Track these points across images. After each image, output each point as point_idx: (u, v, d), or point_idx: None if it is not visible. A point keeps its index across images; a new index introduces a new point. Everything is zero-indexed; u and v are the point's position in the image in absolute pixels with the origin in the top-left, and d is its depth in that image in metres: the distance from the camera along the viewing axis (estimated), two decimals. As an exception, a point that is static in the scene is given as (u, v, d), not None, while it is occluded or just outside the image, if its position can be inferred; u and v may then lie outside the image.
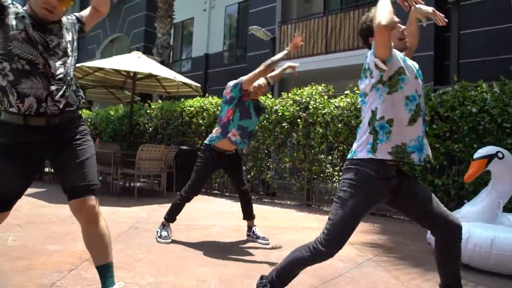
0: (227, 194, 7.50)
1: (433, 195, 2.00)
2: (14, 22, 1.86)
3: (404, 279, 2.80)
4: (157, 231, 3.66)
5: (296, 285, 2.50)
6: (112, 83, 8.41)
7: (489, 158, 3.32)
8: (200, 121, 7.95)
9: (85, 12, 2.22)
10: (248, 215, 3.87)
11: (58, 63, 1.95)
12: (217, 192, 7.68)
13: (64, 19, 2.06)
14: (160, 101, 9.49)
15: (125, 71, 6.94)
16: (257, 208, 5.36)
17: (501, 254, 2.92)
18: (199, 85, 7.78)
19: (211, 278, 2.63)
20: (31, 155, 1.93)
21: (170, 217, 3.68)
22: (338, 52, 9.66)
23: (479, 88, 4.93)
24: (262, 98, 7.06)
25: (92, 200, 2.00)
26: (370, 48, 2.05)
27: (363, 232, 4.43)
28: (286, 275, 2.07)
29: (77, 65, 6.83)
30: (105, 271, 2.06)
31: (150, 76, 7.48)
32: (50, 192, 6.43)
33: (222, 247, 3.54)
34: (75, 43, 2.10)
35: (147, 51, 15.60)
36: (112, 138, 10.35)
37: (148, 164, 6.49)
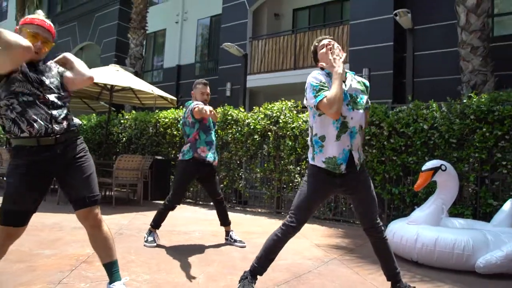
0: (200, 202, 7.84)
1: (373, 201, 2.53)
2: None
3: (363, 274, 3.28)
4: (144, 237, 3.99)
5: (271, 280, 2.92)
6: (88, 94, 8.59)
7: (434, 170, 3.88)
8: (175, 132, 8.27)
9: (67, 74, 2.45)
10: (225, 221, 4.27)
11: (53, 96, 2.30)
12: (190, 200, 7.99)
13: (54, 67, 2.41)
14: (134, 111, 9.72)
15: (104, 84, 7.17)
16: (230, 215, 5.75)
17: (443, 251, 3.47)
18: (175, 98, 8.12)
19: (198, 274, 3.01)
20: (43, 171, 2.27)
21: (156, 223, 4.02)
22: (306, 68, 10.26)
23: (430, 107, 5.57)
24: (235, 112, 7.51)
25: (96, 209, 2.36)
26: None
27: (329, 236, 4.92)
28: (265, 260, 2.55)
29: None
30: (111, 267, 2.42)
31: (127, 88, 7.75)
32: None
33: (203, 249, 3.91)
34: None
35: (119, 61, 15.74)
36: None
37: (126, 173, 6.76)
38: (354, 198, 2.55)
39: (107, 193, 7.97)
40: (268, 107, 7.13)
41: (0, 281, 2.61)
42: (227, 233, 4.26)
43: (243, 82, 9.04)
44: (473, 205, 5.19)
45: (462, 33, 6.80)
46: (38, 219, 4.98)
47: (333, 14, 12.02)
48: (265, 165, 7.04)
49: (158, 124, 8.65)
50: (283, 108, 6.96)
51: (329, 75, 2.48)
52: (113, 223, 5.05)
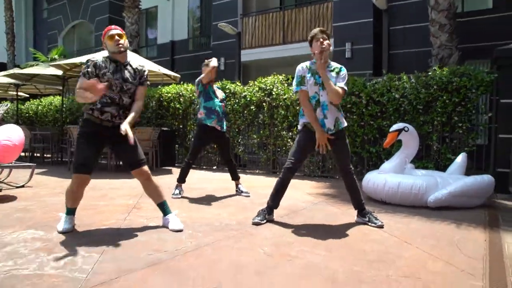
0: (204, 167, 8.87)
1: (346, 154, 3.62)
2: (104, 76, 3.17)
3: (343, 209, 4.38)
4: (173, 191, 5.04)
5: (275, 213, 3.99)
6: (96, 73, 9.37)
7: (399, 131, 4.94)
8: (177, 106, 9.18)
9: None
10: (234, 176, 5.31)
11: (126, 98, 3.25)
12: (195, 166, 9.00)
13: (138, 67, 3.33)
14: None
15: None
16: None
17: (403, 192, 4.57)
18: (178, 75, 8.98)
19: (221, 213, 4.07)
20: (99, 139, 3.25)
21: (181, 178, 5.06)
22: (294, 43, 11.14)
23: (401, 79, 6.58)
24: (232, 86, 8.43)
25: (146, 167, 3.36)
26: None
27: (318, 188, 6.01)
28: (276, 197, 3.69)
29: (72, 60, 7.81)
30: (163, 205, 3.48)
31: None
32: (53, 171, 7.53)
33: (218, 199, 4.95)
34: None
35: (113, 38, 16.25)
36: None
37: (140, 144, 7.71)
38: (333, 151, 3.61)
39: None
40: (262, 81, 8.07)
41: (83, 219, 3.61)
42: (236, 185, 5.31)
43: (237, 58, 9.90)
44: (436, 159, 6.31)
45: (432, 12, 7.75)
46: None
47: (318, -11, 12.78)
48: (261, 132, 8.04)
49: (161, 99, 9.53)
50: (275, 82, 7.91)
51: (313, 64, 3.54)
52: (138, 183, 6.04)
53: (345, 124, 3.66)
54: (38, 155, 10.55)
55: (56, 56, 15.82)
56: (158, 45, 16.40)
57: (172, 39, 15.61)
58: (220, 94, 5.17)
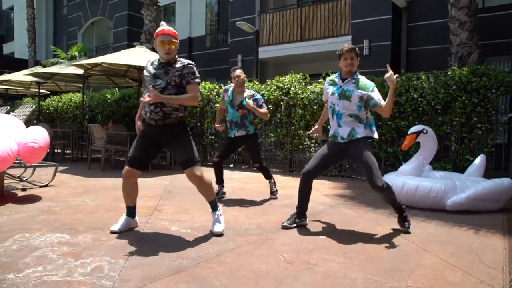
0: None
1: (367, 165, 3.54)
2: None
3: (361, 213, 4.41)
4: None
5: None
6: (115, 71, 9.55)
7: (417, 133, 4.93)
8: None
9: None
10: (266, 176, 5.33)
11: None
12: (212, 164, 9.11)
13: (180, 64, 3.35)
14: (155, 85, 10.69)
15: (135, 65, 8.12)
16: (250, 175, 6.92)
17: (421, 195, 4.58)
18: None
19: (241, 215, 4.15)
20: (149, 137, 3.39)
21: (217, 180, 5.17)
22: (311, 40, 11.10)
23: (419, 78, 6.53)
24: (250, 84, 8.48)
25: (194, 170, 3.33)
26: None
27: (335, 188, 6.04)
28: (300, 201, 3.78)
29: (93, 60, 7.96)
30: (212, 203, 3.56)
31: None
32: (73, 169, 7.75)
33: (236, 200, 5.04)
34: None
35: (131, 34, 16.49)
36: (111, 119, 11.48)
37: (159, 142, 7.85)
38: (354, 161, 3.69)
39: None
40: (280, 80, 8.09)
41: (108, 222, 3.74)
42: (270, 183, 5.35)
43: (255, 55, 9.93)
44: (454, 160, 6.27)
45: (452, 9, 7.63)
46: (95, 182, 6.16)
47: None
48: (278, 130, 8.09)
49: (179, 97, 9.63)
50: (293, 81, 7.93)
51: (339, 77, 3.67)
52: (157, 183, 6.19)
53: (364, 135, 3.58)
54: (59, 151, 10.81)
55: (76, 53, 16.12)
56: (175, 41, 16.51)
57: (189, 36, 15.70)
58: (246, 94, 5.07)
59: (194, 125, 9.33)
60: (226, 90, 5.08)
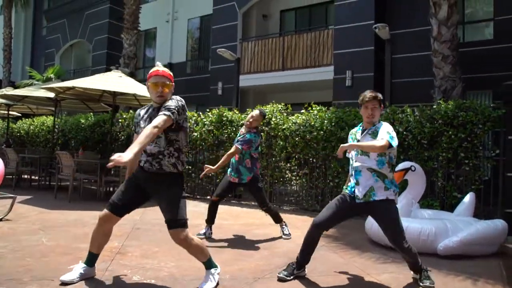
0: (198, 196, 8.52)
1: (383, 228, 3.26)
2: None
3: (347, 258, 4.04)
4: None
5: (274, 264, 3.64)
6: (90, 96, 9.11)
7: (406, 170, 4.65)
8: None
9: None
10: (275, 220, 4.94)
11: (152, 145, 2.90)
12: (188, 195, 8.66)
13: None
14: (131, 111, 10.29)
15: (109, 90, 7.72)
16: (228, 209, 6.52)
17: (411, 238, 4.22)
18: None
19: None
20: (138, 184, 2.98)
21: (208, 219, 4.81)
22: (293, 69, 10.95)
23: (404, 111, 6.33)
24: (229, 113, 8.16)
25: (179, 232, 2.89)
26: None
27: (317, 226, 5.66)
28: (303, 253, 3.35)
29: (65, 84, 7.55)
30: (206, 264, 3.09)
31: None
32: (38, 198, 7.16)
33: (211, 240, 4.60)
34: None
35: (110, 58, 16.15)
36: (84, 145, 10.93)
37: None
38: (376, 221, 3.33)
39: (111, 189, 8.60)
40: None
41: (59, 270, 3.25)
42: (280, 226, 4.96)
43: (235, 83, 9.68)
44: (442, 197, 6.00)
45: (435, 43, 7.57)
46: (58, 216, 5.62)
47: (318, 16, 12.71)
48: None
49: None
50: (274, 111, 7.64)
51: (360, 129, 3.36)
52: (126, 218, 5.62)
53: (384, 197, 3.16)
54: (27, 177, 10.17)
55: (52, 75, 15.60)
56: (155, 66, 16.21)
57: (170, 62, 15.43)
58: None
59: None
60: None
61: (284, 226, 4.94)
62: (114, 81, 7.49)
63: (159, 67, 2.97)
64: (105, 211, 2.99)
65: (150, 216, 5.88)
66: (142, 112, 3.06)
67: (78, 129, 11.55)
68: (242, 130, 4.79)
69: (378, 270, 3.58)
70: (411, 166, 4.67)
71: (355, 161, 3.23)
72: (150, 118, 2.87)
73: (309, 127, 7.08)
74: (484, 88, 8.88)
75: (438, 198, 6.00)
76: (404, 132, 6.19)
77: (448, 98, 6.93)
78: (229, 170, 4.74)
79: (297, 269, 3.32)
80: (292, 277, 3.27)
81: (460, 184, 5.91)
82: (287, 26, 13.14)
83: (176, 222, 2.88)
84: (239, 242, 4.54)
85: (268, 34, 12.54)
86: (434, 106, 6.10)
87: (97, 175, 7.41)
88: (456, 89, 7.26)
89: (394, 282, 3.30)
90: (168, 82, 2.91)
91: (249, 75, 11.68)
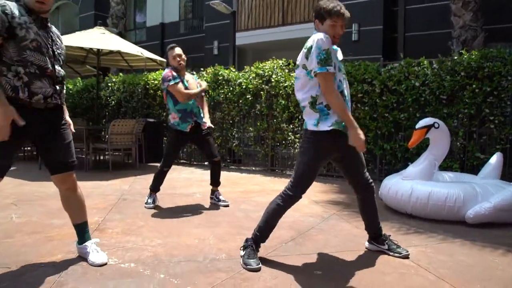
0: (195, 163, 7.96)
1: (360, 163, 2.73)
2: (23, 33, 2.18)
3: (362, 227, 3.48)
4: (146, 199, 4.20)
5: (278, 238, 3.10)
6: (74, 58, 8.38)
7: (428, 127, 4.02)
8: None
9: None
10: (215, 182, 4.38)
11: (58, 67, 2.35)
12: (185, 161, 8.10)
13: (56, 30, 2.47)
14: (121, 74, 9.57)
15: (91, 48, 6.99)
16: (226, 175, 5.95)
17: (435, 204, 3.68)
18: (164, 60, 7.97)
19: (208, 236, 3.17)
20: (24, 129, 2.23)
21: (154, 187, 4.21)
22: (294, 24, 10.12)
23: (421, 64, 5.64)
24: (226, 72, 7.46)
25: (73, 173, 2.52)
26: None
27: (325, 192, 5.12)
28: (265, 228, 2.65)
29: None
30: (83, 228, 2.64)
31: (114, 51, 7.58)
32: (21, 170, 6.59)
33: (207, 211, 4.05)
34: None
35: (98, 19, 15.17)
36: (72, 112, 10.30)
37: (120, 138, 6.77)
38: (346, 159, 2.73)
39: (101, 157, 8.03)
40: (260, 66, 7.10)
41: (22, 253, 2.71)
42: (213, 192, 4.40)
43: (232, 40, 8.89)
44: (461, 158, 5.42)
45: (454, -14, 6.77)
46: (37, 188, 5.05)
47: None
48: (258, 124, 7.11)
49: (147, 86, 8.56)
50: (275, 67, 6.95)
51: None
52: (114, 188, 5.14)
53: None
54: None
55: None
56: (147, 27, 15.29)
57: (162, 21, 14.50)
58: (195, 84, 4.21)
59: (164, 118, 8.26)
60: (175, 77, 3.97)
61: (217, 191, 4.41)
62: (98, 38, 6.75)
63: None
64: None
65: (141, 185, 5.34)
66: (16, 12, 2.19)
67: (67, 95, 10.86)
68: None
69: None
70: (434, 122, 4.04)
71: (346, 88, 2.60)
72: (50, 36, 2.37)
73: (314, 84, 6.39)
74: (509, 40, 8.08)
75: (458, 159, 5.42)
76: (421, 87, 5.53)
77: (469, 49, 6.21)
78: (186, 123, 4.05)
79: (256, 246, 2.62)
80: (260, 264, 2.53)
81: (483, 144, 5.31)
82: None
83: (74, 163, 2.55)
84: (237, 213, 3.99)
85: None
86: (455, 57, 5.40)
87: (84, 143, 6.81)
88: (477, 39, 6.54)
89: (423, 258, 2.75)
90: None
91: (246, 32, 10.86)
